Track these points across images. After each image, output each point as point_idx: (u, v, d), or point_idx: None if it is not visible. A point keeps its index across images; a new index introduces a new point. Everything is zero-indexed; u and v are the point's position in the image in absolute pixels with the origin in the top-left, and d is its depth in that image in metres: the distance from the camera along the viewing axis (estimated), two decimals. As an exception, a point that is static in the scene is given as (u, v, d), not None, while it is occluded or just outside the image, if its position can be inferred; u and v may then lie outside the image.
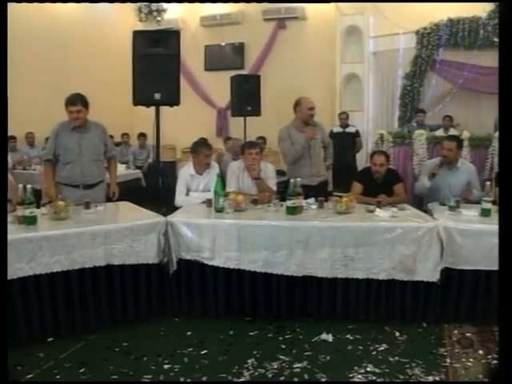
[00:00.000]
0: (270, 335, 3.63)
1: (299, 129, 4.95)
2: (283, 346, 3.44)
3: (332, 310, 3.77)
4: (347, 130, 8.43)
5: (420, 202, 5.02)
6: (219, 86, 9.45)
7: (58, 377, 3.03)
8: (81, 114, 4.32)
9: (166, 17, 10.56)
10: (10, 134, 5.67)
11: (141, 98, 4.77)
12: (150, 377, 3.04)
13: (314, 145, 4.99)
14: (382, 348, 3.41)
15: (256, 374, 3.08)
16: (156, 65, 4.69)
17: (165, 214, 4.00)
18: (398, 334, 3.63)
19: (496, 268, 3.30)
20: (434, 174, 4.88)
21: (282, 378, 3.04)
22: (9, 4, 2.81)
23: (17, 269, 3.21)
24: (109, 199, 4.59)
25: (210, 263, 3.77)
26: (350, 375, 3.05)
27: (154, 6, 10.37)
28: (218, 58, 10.83)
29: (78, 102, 4.31)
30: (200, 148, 4.66)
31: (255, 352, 3.35)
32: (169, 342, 3.53)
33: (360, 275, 3.70)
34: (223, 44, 10.81)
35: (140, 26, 10.04)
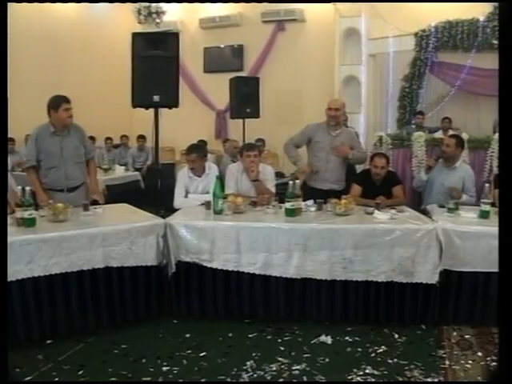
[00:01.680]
0: (268, 337, 3.63)
1: (327, 130, 4.90)
2: (282, 348, 3.44)
3: (331, 312, 3.77)
4: (346, 131, 8.42)
5: (419, 204, 5.03)
6: (218, 88, 9.45)
7: (56, 379, 3.03)
8: (71, 112, 4.33)
9: (165, 19, 10.56)
10: (9, 136, 5.66)
11: (140, 100, 4.77)
12: (148, 379, 3.04)
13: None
14: (381, 350, 3.41)
15: (255, 376, 3.08)
16: (155, 67, 4.68)
17: (164, 216, 4.01)
18: (396, 336, 3.63)
19: (495, 270, 3.32)
20: (429, 166, 4.94)
21: (280, 380, 3.04)
22: (8, 4, 2.80)
23: (15, 271, 3.21)
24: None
25: (208, 265, 3.77)
26: (349, 377, 3.06)
27: (154, 8, 10.37)
28: (217, 60, 10.83)
29: (68, 99, 4.33)
30: (187, 152, 4.72)
31: (254, 354, 3.35)
32: (167, 344, 3.52)
33: (359, 277, 3.71)
34: (222, 46, 10.82)
35: (139, 28, 10.04)
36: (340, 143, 4.88)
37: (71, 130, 4.43)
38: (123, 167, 8.49)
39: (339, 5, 9.22)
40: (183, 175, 4.69)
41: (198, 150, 4.74)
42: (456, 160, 4.95)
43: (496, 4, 7.84)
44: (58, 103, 4.31)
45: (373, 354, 3.36)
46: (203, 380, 3.03)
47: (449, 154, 4.88)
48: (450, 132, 7.65)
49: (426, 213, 4.32)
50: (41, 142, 4.33)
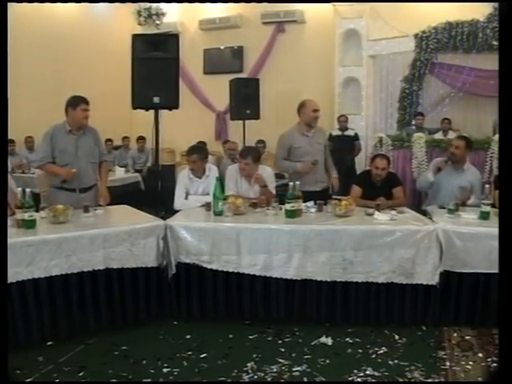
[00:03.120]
0: (269, 338, 3.63)
1: (303, 132, 4.86)
2: (282, 350, 3.44)
3: (331, 314, 3.77)
4: (346, 133, 8.44)
5: (419, 205, 5.02)
6: (218, 89, 9.46)
7: (57, 381, 3.03)
8: (88, 113, 4.37)
9: (165, 20, 10.58)
10: (9, 137, 5.67)
11: (140, 101, 4.77)
12: (149, 380, 3.04)
13: (317, 150, 4.89)
14: (382, 351, 3.41)
15: (255, 377, 3.07)
16: (155, 68, 4.69)
17: (164, 218, 4.00)
18: (397, 337, 3.62)
19: (495, 271, 3.32)
20: (439, 168, 4.87)
21: (281, 381, 3.04)
22: (8, 5, 2.80)
23: (15, 272, 3.21)
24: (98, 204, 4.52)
25: (209, 267, 3.77)
26: (350, 378, 3.05)
27: (154, 9, 10.39)
28: (216, 62, 10.84)
29: (87, 101, 4.37)
30: (187, 152, 4.71)
31: (254, 355, 3.34)
32: (168, 345, 3.52)
33: (359, 278, 3.70)
34: (222, 47, 10.83)
35: (139, 30, 10.06)
36: (317, 142, 4.90)
37: (86, 130, 4.45)
38: (123, 168, 8.49)
39: (339, 6, 9.24)
40: (183, 177, 4.69)
41: (198, 151, 4.74)
42: (464, 162, 4.87)
43: (496, 5, 7.86)
44: (76, 102, 4.34)
45: (373, 355, 3.35)
46: (204, 381, 3.03)
47: (458, 156, 4.79)
48: (450, 133, 7.67)
49: (426, 214, 4.31)
50: (56, 139, 4.35)
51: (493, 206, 3.99)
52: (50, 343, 3.44)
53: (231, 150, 7.03)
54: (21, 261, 3.24)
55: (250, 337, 3.64)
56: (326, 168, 5.03)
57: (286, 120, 8.71)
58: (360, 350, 3.43)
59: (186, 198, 4.62)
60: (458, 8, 8.26)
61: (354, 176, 5.42)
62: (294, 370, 3.16)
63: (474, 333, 3.65)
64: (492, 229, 3.53)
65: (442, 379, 3.05)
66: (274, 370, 3.16)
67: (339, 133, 8.47)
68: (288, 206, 3.96)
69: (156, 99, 4.70)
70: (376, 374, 3.10)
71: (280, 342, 3.57)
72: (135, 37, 4.81)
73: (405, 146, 6.38)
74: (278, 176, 5.99)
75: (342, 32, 9.29)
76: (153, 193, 6.01)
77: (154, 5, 10.42)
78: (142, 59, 4.70)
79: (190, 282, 3.82)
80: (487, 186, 4.16)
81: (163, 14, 10.52)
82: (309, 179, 4.83)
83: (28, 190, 3.60)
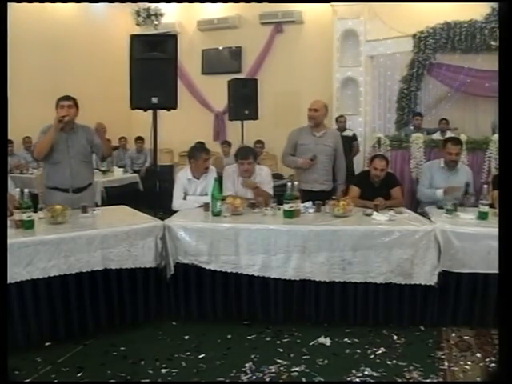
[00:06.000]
0: (267, 339, 3.63)
1: (308, 131, 4.93)
2: (281, 350, 3.44)
3: (330, 314, 3.77)
4: (344, 133, 8.41)
5: (417, 206, 5.02)
6: (216, 89, 9.47)
7: (55, 381, 3.02)
8: (71, 110, 4.27)
9: (164, 21, 10.58)
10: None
11: (138, 102, 4.77)
12: (147, 381, 3.03)
13: (321, 151, 4.89)
14: (380, 351, 3.41)
15: (254, 377, 3.07)
16: (153, 69, 4.69)
17: (162, 218, 4.00)
18: (395, 337, 3.63)
19: (493, 271, 3.33)
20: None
21: (280, 381, 3.04)
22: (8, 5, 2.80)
23: (14, 273, 3.20)
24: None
25: (207, 267, 3.77)
26: (348, 379, 3.05)
27: (152, 10, 10.39)
28: (215, 62, 10.85)
29: (69, 98, 4.32)
30: (199, 153, 4.62)
31: (253, 356, 3.34)
32: (166, 346, 3.52)
33: (357, 279, 3.70)
34: (220, 48, 10.84)
35: (137, 30, 10.04)
36: (324, 144, 4.90)
37: (79, 130, 4.41)
38: (121, 169, 8.48)
39: (337, 6, 9.25)
40: (182, 177, 4.67)
41: (207, 150, 4.73)
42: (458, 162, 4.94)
43: (494, 5, 7.88)
44: (58, 101, 4.32)
45: (372, 356, 3.35)
46: (202, 381, 3.03)
47: (458, 160, 4.87)
48: (448, 133, 7.67)
49: (424, 214, 4.31)
50: None
51: (491, 206, 4.00)
52: (48, 344, 3.44)
53: None
54: (19, 261, 3.24)
55: (249, 337, 3.64)
56: (334, 172, 5.04)
57: (284, 120, 8.73)
58: (358, 351, 3.43)
59: (185, 198, 4.60)
60: (456, 8, 8.28)
61: (352, 176, 5.40)
62: (292, 370, 3.16)
63: (473, 333, 3.66)
64: (490, 229, 3.53)
65: (441, 379, 3.05)
66: (273, 370, 3.16)
67: (338, 133, 8.46)
68: (286, 207, 3.96)
69: (154, 100, 4.70)
70: (374, 374, 3.10)
71: (278, 342, 3.57)
72: (133, 37, 4.81)
73: (403, 147, 6.37)
74: (277, 176, 6.00)
75: (340, 32, 9.30)
76: (151, 193, 6.01)
77: (153, 5, 10.42)
78: (141, 60, 4.70)
79: (189, 282, 3.82)
80: (485, 186, 4.17)
81: (162, 15, 10.52)
82: (307, 178, 4.86)
83: (26, 190, 3.59)
